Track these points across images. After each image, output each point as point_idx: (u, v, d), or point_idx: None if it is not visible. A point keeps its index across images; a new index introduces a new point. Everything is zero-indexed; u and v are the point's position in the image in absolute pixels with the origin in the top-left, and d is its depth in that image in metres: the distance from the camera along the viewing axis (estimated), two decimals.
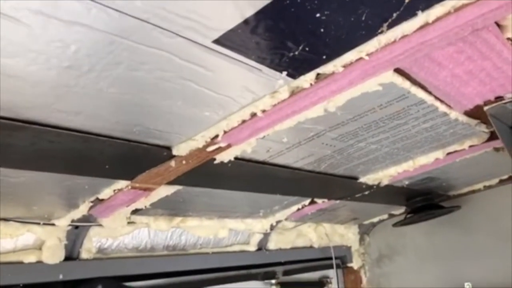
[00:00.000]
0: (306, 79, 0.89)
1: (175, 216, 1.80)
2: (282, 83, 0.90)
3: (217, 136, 1.06)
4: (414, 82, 1.06)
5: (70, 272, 1.54)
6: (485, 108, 1.26)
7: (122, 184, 1.28)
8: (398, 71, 0.99)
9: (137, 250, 1.81)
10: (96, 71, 0.75)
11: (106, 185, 1.28)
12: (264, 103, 0.96)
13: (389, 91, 1.06)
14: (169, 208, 1.67)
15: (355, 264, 2.98)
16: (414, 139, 1.46)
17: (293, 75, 0.88)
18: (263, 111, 0.98)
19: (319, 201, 2.03)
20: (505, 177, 2.38)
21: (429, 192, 2.37)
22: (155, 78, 0.80)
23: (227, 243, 2.17)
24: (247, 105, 0.97)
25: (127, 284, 1.73)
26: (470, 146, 1.61)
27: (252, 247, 2.27)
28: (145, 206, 1.49)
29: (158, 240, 1.87)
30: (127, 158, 1.10)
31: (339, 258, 2.84)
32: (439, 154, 1.67)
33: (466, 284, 2.54)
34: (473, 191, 2.54)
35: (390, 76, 0.97)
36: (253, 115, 1.00)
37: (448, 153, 1.67)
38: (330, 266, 2.67)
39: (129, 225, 1.66)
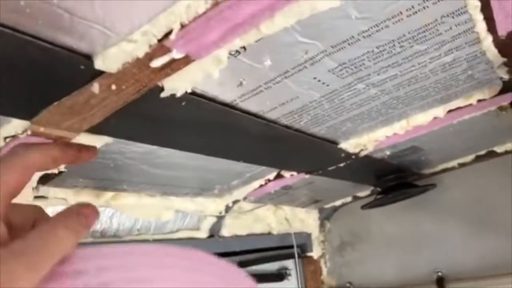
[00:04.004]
0: None
1: (105, 191, 1.35)
2: None
3: (170, 33, 0.65)
4: None
5: None
6: None
7: (16, 126, 0.83)
8: None
9: None
10: None
11: None
12: None
13: None
14: (96, 177, 1.23)
15: (315, 253, 2.65)
16: (423, 83, 1.14)
17: None
18: None
19: (286, 174, 1.67)
20: (483, 152, 2.15)
21: (403, 169, 2.11)
22: None
23: (172, 229, 1.75)
24: None
25: None
26: (479, 101, 1.32)
27: (203, 234, 1.86)
28: (58, 171, 1.05)
29: None
30: (16, 68, 0.65)
31: (299, 247, 2.50)
32: (440, 111, 1.37)
33: (437, 272, 2.30)
34: (446, 169, 2.31)
35: None
36: None
37: (449, 111, 1.38)
38: (290, 256, 2.32)
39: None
